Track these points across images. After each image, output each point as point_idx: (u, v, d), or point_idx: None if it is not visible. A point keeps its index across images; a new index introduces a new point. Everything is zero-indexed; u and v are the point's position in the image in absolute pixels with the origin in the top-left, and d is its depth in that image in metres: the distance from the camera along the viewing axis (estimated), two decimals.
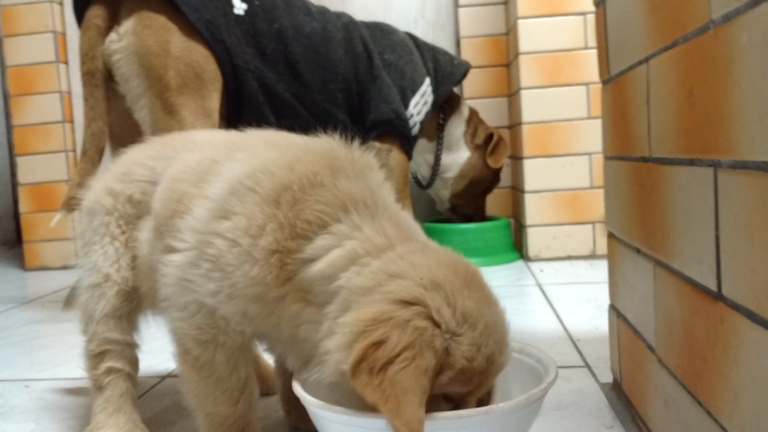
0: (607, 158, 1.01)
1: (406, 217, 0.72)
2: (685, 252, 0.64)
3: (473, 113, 2.25)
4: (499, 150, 2.23)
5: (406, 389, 0.56)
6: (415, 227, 0.72)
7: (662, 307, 0.73)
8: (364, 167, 0.73)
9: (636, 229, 0.84)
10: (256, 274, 0.67)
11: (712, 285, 0.56)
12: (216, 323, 0.72)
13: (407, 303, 0.59)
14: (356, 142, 0.76)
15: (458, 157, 2.22)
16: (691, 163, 0.61)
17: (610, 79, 0.97)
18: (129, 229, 0.90)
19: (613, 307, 1.01)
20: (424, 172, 2.25)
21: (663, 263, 0.72)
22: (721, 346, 0.54)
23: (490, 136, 2.23)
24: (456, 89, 2.30)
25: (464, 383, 0.62)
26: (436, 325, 0.59)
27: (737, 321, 0.51)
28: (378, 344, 0.58)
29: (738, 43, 0.49)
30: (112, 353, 0.90)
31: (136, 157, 0.93)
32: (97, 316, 0.89)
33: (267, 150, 0.75)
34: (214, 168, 0.77)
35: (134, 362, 0.93)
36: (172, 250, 0.75)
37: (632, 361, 0.89)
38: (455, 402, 0.65)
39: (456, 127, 2.20)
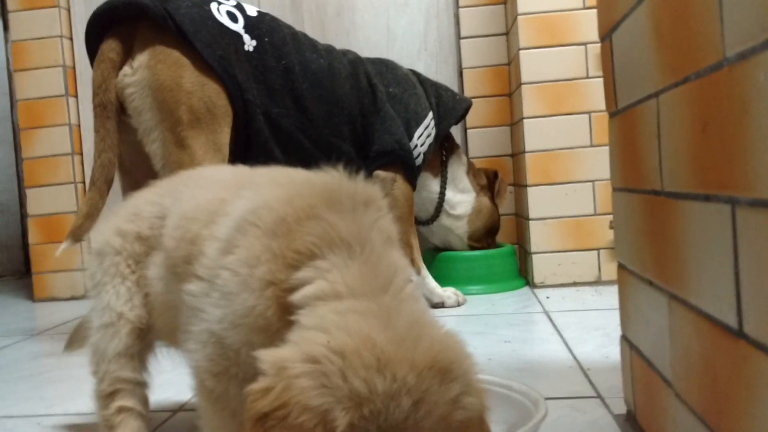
0: (615, 189, 1.02)
1: (392, 262, 0.69)
2: (702, 287, 0.64)
3: (470, 161, 2.31)
4: (503, 189, 2.27)
5: None
6: (399, 274, 0.68)
7: (679, 341, 0.73)
8: (362, 202, 0.73)
9: (648, 262, 0.85)
10: (253, 305, 0.68)
11: (732, 322, 0.56)
12: (227, 354, 0.72)
13: (309, 358, 0.57)
14: (361, 175, 0.76)
15: (467, 196, 2.25)
16: (707, 198, 0.62)
17: (617, 111, 0.98)
18: (139, 268, 0.90)
19: (625, 338, 1.01)
20: (429, 206, 2.24)
21: (678, 297, 0.72)
22: (744, 385, 0.54)
23: (495, 175, 2.26)
24: (458, 126, 2.34)
25: None
26: (325, 386, 0.56)
27: (761, 361, 0.51)
28: (265, 392, 0.57)
29: (755, 82, 0.50)
30: (124, 392, 0.90)
31: (145, 197, 0.94)
32: (109, 355, 0.89)
33: (270, 187, 0.77)
34: (223, 208, 0.79)
35: (145, 401, 0.93)
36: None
37: (647, 394, 0.89)
38: None
39: (458, 167, 2.24)
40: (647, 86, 0.81)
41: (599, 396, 1.15)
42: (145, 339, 0.91)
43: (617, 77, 0.98)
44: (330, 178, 0.76)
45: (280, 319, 0.67)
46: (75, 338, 1.27)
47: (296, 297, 0.65)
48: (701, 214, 0.64)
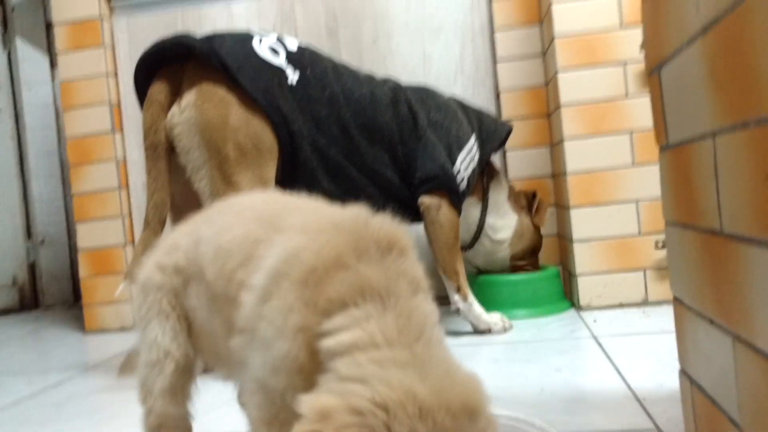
0: (669, 223, 1.01)
1: (422, 311, 0.72)
2: None
3: (510, 184, 2.31)
4: (541, 209, 2.27)
5: None
6: (429, 322, 0.72)
7: (746, 384, 0.72)
8: (386, 247, 0.76)
9: (708, 300, 0.84)
10: (288, 349, 0.71)
11: None
12: (273, 400, 0.75)
13: (354, 411, 0.62)
14: (386, 214, 0.79)
15: (508, 220, 2.24)
16: None
17: (669, 146, 0.98)
18: (178, 303, 0.95)
19: (684, 373, 1.00)
20: (471, 230, 2.24)
21: (744, 339, 0.72)
22: None
23: (533, 196, 2.26)
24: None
25: None
26: None
27: None
28: None
29: None
30: (169, 426, 0.98)
31: (184, 229, 0.99)
32: (156, 392, 0.95)
33: (299, 235, 0.79)
34: (257, 249, 0.82)
35: (189, 429, 1.02)
36: (234, 331, 0.81)
37: None
38: None
39: (499, 192, 2.24)
40: (702, 125, 0.81)
41: (658, 428, 1.13)
42: (188, 373, 0.97)
43: (667, 112, 0.97)
44: (356, 221, 0.79)
45: (311, 361, 0.71)
46: (128, 365, 1.33)
47: (330, 343, 0.69)
48: (767, 261, 0.63)
